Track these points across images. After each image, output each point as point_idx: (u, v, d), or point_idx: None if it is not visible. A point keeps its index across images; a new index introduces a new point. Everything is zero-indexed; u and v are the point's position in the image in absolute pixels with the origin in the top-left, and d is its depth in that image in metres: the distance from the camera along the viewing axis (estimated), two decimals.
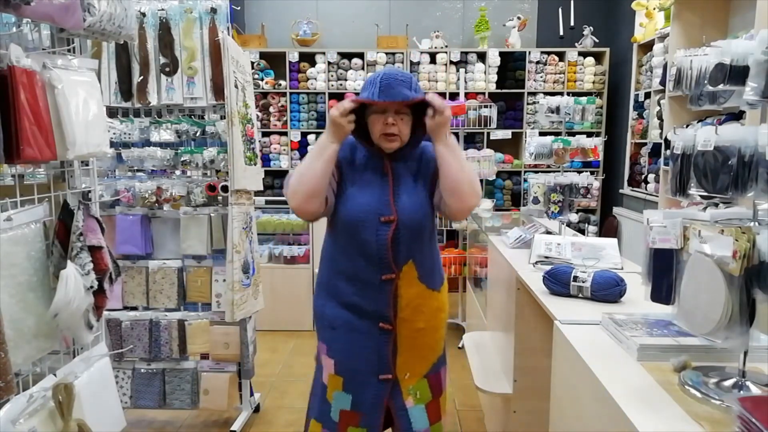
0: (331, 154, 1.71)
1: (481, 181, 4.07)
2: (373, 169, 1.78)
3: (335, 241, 1.83)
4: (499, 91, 5.28)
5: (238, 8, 5.40)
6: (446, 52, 5.26)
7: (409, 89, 1.67)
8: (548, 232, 2.59)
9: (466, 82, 5.23)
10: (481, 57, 5.30)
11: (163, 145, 2.69)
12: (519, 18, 5.37)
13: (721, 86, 1.07)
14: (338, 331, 1.82)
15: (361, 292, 1.78)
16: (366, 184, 1.77)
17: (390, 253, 1.73)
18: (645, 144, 4.45)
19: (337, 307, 1.82)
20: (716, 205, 1.09)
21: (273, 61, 5.41)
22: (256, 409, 2.99)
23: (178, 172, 2.83)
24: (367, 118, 1.74)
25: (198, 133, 2.66)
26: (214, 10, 2.57)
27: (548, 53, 5.29)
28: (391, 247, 1.72)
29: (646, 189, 4.40)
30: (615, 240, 2.23)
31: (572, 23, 5.13)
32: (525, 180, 5.24)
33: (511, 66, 5.29)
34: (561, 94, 4.86)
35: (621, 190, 4.98)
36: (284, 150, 5.41)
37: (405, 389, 1.85)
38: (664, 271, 1.16)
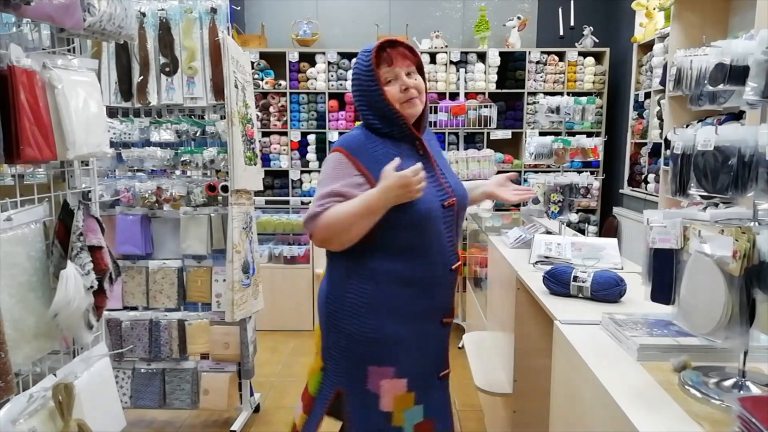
0: (380, 214, 1.53)
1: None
2: (408, 155, 1.61)
3: (389, 249, 1.60)
4: (499, 91, 5.28)
5: (238, 8, 5.40)
6: (446, 52, 5.25)
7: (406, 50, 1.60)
8: (548, 232, 2.59)
9: (466, 82, 5.23)
10: (481, 57, 5.30)
11: (163, 145, 2.70)
12: (519, 18, 5.37)
13: (721, 86, 1.06)
14: (402, 345, 1.62)
15: (427, 293, 1.62)
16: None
17: (457, 239, 1.66)
18: (645, 144, 4.45)
19: (397, 321, 1.61)
20: (716, 205, 1.09)
21: (273, 61, 5.41)
22: (256, 409, 2.99)
23: (178, 172, 2.83)
24: (381, 94, 1.58)
25: (198, 133, 2.66)
26: (214, 10, 2.57)
27: (548, 53, 5.29)
28: (456, 233, 1.66)
29: (646, 189, 4.40)
30: (615, 240, 2.23)
31: (572, 23, 5.14)
32: (525, 180, 5.24)
33: (511, 66, 5.29)
34: (561, 94, 4.86)
35: (621, 190, 4.97)
36: (284, 150, 5.41)
37: None
38: (664, 271, 1.16)
